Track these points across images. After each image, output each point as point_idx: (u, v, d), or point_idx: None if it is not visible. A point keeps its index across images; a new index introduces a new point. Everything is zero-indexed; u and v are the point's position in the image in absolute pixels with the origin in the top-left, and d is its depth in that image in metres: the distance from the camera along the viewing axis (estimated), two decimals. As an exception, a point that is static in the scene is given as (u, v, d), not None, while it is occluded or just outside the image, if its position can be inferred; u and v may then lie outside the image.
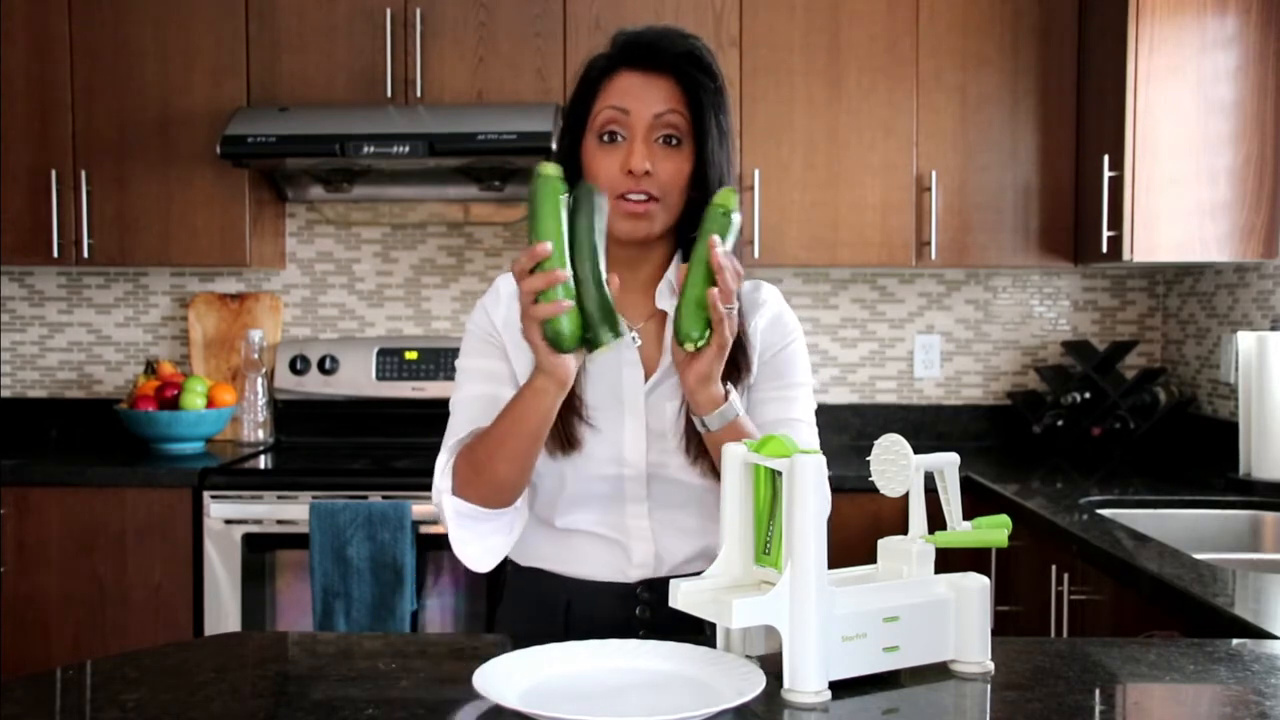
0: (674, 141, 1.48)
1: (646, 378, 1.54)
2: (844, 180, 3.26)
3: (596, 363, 1.52)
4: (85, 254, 3.31)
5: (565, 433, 1.49)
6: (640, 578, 1.54)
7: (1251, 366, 2.63)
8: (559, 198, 1.34)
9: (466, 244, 3.66)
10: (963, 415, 3.61)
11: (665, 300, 1.54)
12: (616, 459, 1.52)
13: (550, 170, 1.35)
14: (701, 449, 1.49)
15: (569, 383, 1.38)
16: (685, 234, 1.53)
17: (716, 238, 1.36)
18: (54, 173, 3.30)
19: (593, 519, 1.54)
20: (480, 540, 1.49)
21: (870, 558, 1.33)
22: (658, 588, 1.51)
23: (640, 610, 1.52)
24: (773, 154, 3.26)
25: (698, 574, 1.26)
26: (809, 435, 1.56)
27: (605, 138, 1.48)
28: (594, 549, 1.55)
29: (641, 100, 1.47)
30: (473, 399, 1.54)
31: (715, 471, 1.49)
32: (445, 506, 1.48)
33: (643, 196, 1.46)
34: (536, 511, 1.58)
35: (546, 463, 1.53)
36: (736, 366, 1.50)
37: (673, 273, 1.53)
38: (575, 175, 1.51)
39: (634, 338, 1.54)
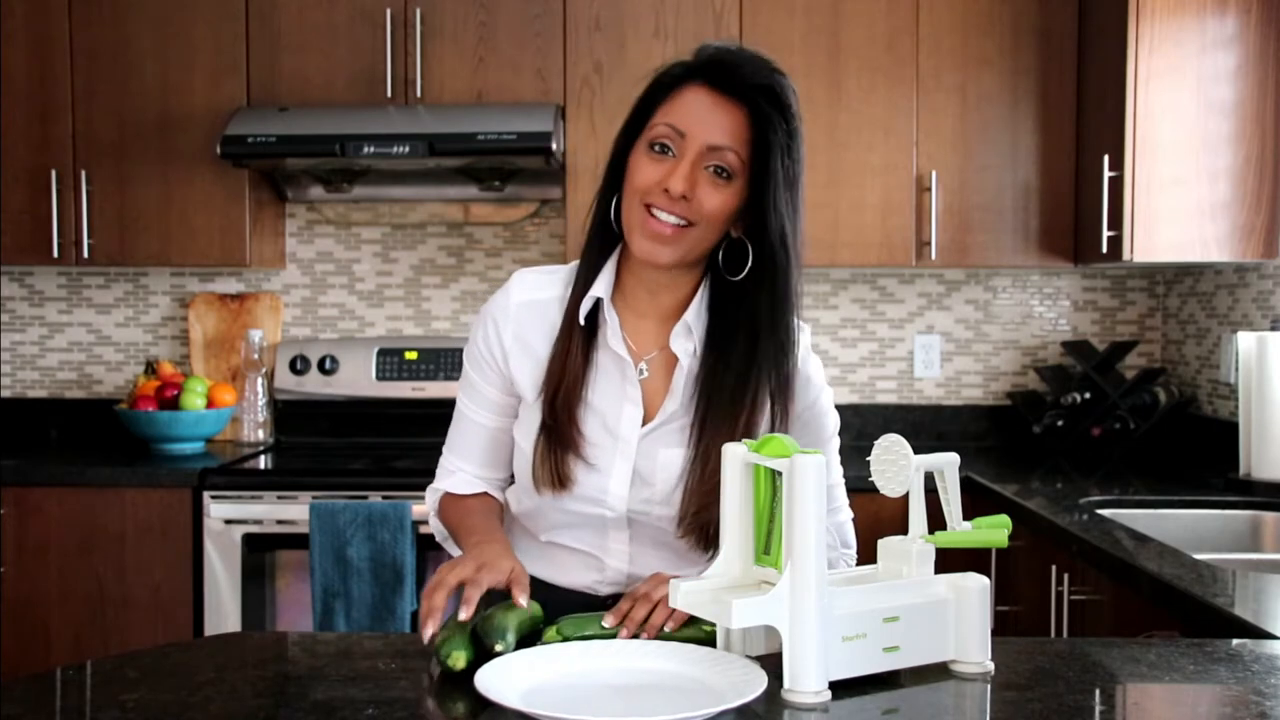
0: (724, 175, 1.40)
1: (646, 420, 1.49)
2: (844, 180, 3.26)
3: (599, 394, 1.49)
4: (85, 254, 3.31)
5: (559, 471, 1.48)
6: (610, 593, 1.55)
7: (1251, 366, 2.63)
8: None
9: (466, 244, 3.66)
10: (963, 415, 3.61)
11: (680, 342, 1.47)
12: (599, 501, 1.50)
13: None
14: (692, 528, 1.46)
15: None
16: (716, 270, 1.47)
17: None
18: (54, 173, 3.30)
19: (575, 536, 1.55)
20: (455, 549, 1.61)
21: (870, 558, 1.33)
22: None
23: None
24: (773, 154, 3.25)
25: None
26: (842, 496, 1.60)
27: (656, 148, 1.41)
28: (571, 560, 1.56)
29: (703, 126, 1.39)
30: (464, 419, 1.61)
31: (700, 543, 1.48)
32: (431, 522, 1.66)
33: (671, 218, 1.39)
34: (523, 522, 1.61)
35: (531, 495, 1.53)
36: (781, 405, 1.45)
37: (692, 315, 1.47)
38: (618, 180, 1.46)
39: (642, 369, 1.50)
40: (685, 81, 1.42)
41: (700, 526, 1.46)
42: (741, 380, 1.44)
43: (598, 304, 1.48)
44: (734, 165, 1.40)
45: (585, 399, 1.48)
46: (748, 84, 1.40)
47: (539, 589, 1.54)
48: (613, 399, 1.49)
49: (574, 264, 1.53)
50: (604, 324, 1.48)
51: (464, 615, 1.28)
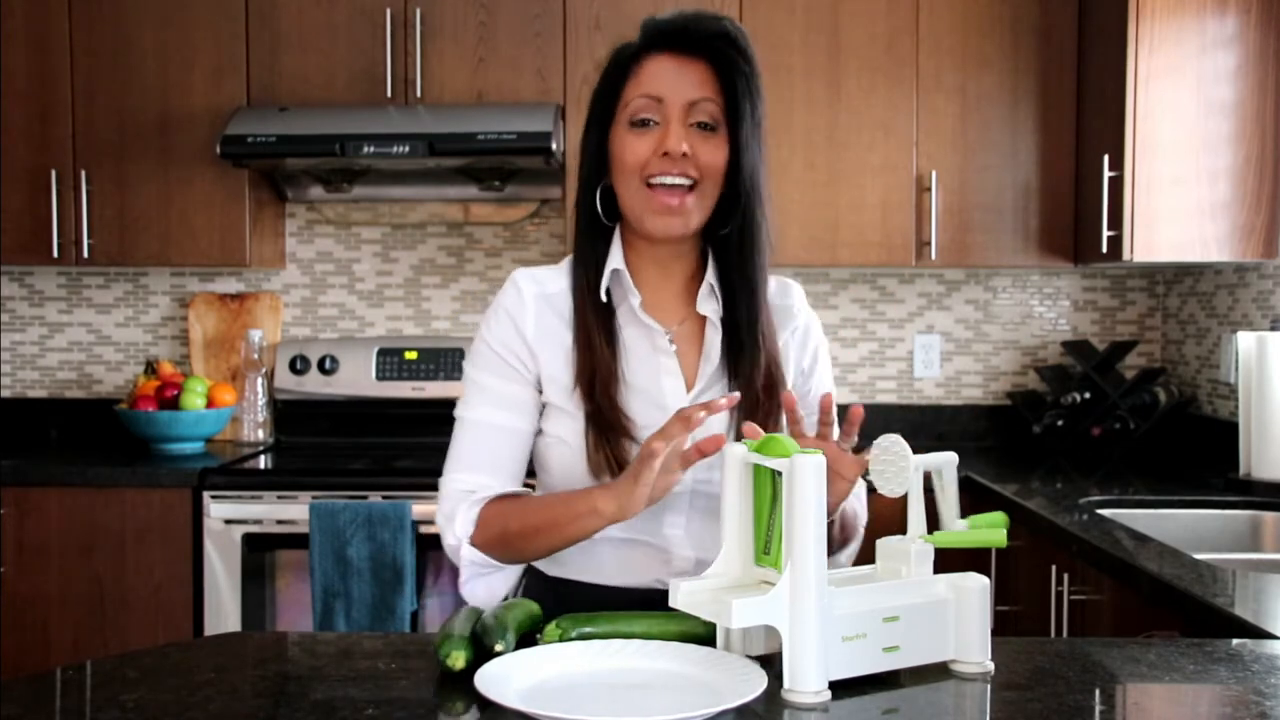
0: (709, 128, 1.43)
1: (688, 387, 1.49)
2: (844, 180, 3.26)
3: (634, 373, 1.48)
4: (85, 254, 3.31)
5: (616, 457, 1.43)
6: None
7: (1251, 366, 2.63)
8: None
9: (466, 244, 3.66)
10: (962, 415, 3.61)
11: (707, 304, 1.49)
12: None
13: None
14: None
15: (628, 518, 1.35)
16: (714, 231, 1.49)
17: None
18: (54, 173, 3.30)
19: (630, 525, 1.45)
20: (486, 579, 1.49)
21: (870, 558, 1.33)
22: None
23: None
24: (772, 154, 3.18)
25: None
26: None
27: (638, 124, 1.44)
28: (631, 555, 1.49)
29: (675, 87, 1.42)
30: (485, 426, 1.48)
31: None
32: (462, 555, 1.47)
33: (680, 181, 1.42)
34: None
35: (589, 481, 1.46)
36: (772, 398, 1.47)
37: (713, 277, 1.49)
38: (601, 169, 1.48)
39: (669, 341, 1.50)
40: (644, 55, 1.45)
41: None
42: (752, 329, 1.48)
43: (613, 287, 1.48)
44: (715, 115, 1.43)
45: (623, 380, 1.46)
46: (704, 36, 1.43)
47: (598, 594, 1.49)
48: (649, 375, 1.48)
49: (569, 258, 1.53)
50: (623, 300, 1.49)
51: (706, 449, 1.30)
